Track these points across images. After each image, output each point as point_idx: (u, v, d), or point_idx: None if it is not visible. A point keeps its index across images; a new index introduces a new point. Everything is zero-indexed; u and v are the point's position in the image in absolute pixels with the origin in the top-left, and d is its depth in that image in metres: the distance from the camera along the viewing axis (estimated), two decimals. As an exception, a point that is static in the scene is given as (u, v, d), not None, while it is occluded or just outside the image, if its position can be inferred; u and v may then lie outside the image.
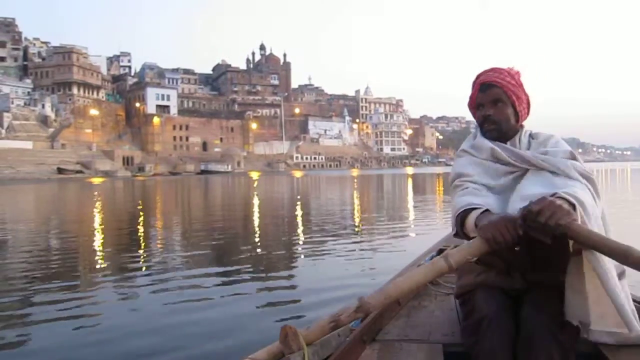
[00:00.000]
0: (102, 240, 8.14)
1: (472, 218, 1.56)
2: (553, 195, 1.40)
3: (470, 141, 1.85)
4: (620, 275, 1.51)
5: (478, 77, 1.78)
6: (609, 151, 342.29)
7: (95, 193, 25.69)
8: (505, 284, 1.61)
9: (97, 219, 11.93)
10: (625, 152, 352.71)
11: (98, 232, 9.35)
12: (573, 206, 1.39)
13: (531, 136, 1.78)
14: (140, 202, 18.35)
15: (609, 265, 1.41)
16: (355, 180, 35.88)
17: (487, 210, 1.55)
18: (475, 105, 1.79)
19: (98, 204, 16.99)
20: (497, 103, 1.73)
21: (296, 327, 1.29)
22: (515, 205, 1.50)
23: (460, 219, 1.61)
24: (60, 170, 69.59)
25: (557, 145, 1.71)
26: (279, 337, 1.26)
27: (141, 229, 9.78)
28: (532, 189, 1.54)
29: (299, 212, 12.44)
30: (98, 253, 6.84)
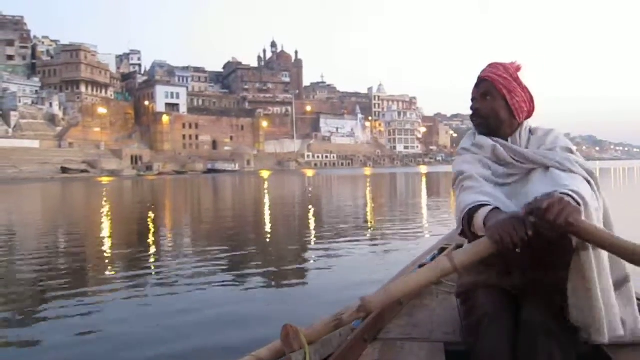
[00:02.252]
0: (106, 242, 7.93)
1: (480, 216, 1.50)
2: (556, 190, 1.40)
3: (470, 139, 1.83)
4: (625, 280, 1.56)
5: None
6: (626, 149, 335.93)
7: (104, 192, 23.95)
8: (506, 283, 1.62)
9: (90, 219, 11.23)
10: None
11: (102, 231, 9.32)
12: (577, 203, 1.37)
13: (530, 132, 1.76)
14: (133, 205, 16.48)
15: (606, 267, 1.45)
16: (369, 181, 34.07)
17: (496, 207, 1.49)
18: (471, 100, 1.80)
19: (93, 204, 15.84)
20: (485, 97, 1.73)
21: (298, 326, 1.30)
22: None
23: (467, 216, 1.55)
24: (64, 170, 67.96)
25: (557, 140, 1.70)
26: (280, 336, 1.27)
27: (142, 231, 9.28)
28: (540, 188, 1.49)
29: (312, 216, 11.62)
30: (105, 254, 6.76)
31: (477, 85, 1.76)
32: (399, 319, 1.97)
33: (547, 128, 1.76)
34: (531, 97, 1.73)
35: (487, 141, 1.72)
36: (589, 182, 1.52)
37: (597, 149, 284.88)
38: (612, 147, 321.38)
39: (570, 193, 1.39)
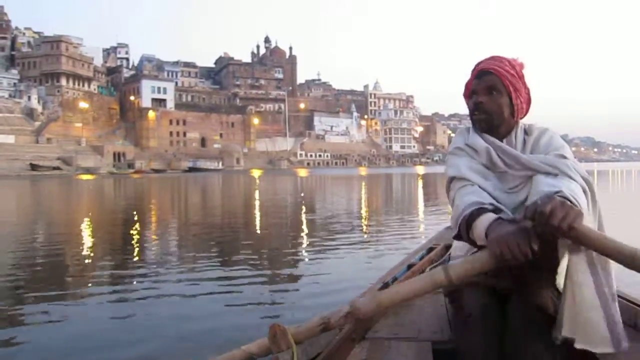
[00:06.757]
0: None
1: (481, 224, 1.40)
2: (556, 193, 1.35)
3: (463, 137, 1.73)
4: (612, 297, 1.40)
5: (477, 65, 1.68)
6: (624, 150, 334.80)
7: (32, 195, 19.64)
8: (495, 283, 1.57)
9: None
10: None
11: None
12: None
13: (526, 132, 1.69)
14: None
15: (599, 271, 1.36)
16: (364, 183, 30.23)
17: (499, 216, 1.40)
18: (469, 93, 1.68)
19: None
20: (491, 91, 1.61)
21: (285, 326, 1.29)
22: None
23: (466, 221, 1.47)
24: (33, 167, 63.15)
25: (551, 141, 1.64)
26: (268, 336, 1.26)
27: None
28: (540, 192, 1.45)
29: (304, 219, 10.13)
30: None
31: (478, 77, 1.62)
32: (387, 318, 1.96)
33: (542, 127, 1.68)
34: (530, 99, 1.66)
35: (480, 143, 1.63)
36: (584, 189, 1.47)
37: (595, 150, 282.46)
38: (610, 148, 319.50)
39: (570, 197, 1.34)
